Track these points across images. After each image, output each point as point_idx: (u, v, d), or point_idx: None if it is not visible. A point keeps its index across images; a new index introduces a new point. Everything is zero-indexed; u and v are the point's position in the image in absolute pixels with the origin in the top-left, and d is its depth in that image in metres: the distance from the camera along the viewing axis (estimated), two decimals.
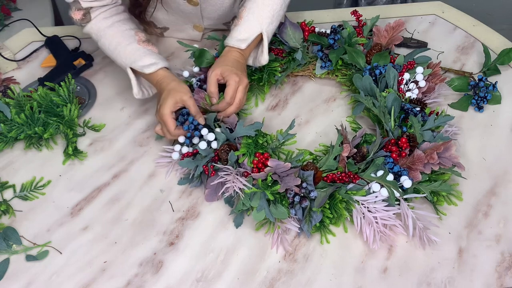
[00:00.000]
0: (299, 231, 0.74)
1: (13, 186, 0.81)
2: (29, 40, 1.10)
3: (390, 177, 0.74)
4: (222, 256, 0.72)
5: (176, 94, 0.81)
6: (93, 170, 0.84)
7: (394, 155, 0.76)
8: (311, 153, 0.83)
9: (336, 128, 0.84)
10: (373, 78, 0.90)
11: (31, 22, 1.14)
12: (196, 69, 0.95)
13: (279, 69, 0.95)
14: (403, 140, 0.76)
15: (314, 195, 0.72)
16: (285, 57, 0.98)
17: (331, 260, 0.71)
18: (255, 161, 0.74)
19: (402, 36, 1.09)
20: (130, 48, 0.86)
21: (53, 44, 1.06)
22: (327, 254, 0.72)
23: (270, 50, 0.96)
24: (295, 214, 0.73)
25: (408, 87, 0.90)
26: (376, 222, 0.71)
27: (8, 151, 0.87)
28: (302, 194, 0.73)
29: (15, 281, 0.70)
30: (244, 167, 0.77)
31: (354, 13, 1.02)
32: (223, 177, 0.75)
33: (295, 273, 0.70)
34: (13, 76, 1.01)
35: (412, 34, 1.10)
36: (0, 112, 0.87)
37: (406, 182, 0.73)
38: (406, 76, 0.90)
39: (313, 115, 0.93)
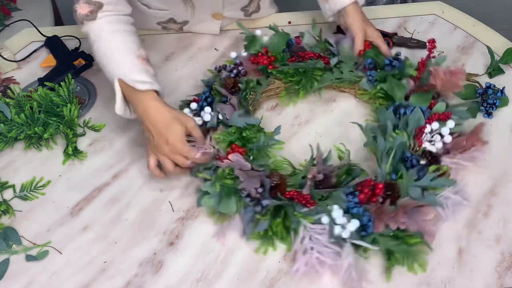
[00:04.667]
0: (243, 234, 0.73)
1: (13, 186, 0.81)
2: (29, 40, 1.10)
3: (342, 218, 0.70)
4: (222, 256, 0.72)
5: (183, 120, 0.76)
6: (93, 170, 0.84)
7: (361, 196, 0.71)
8: (293, 166, 0.80)
9: (310, 145, 0.80)
10: (398, 116, 0.83)
11: (31, 22, 1.14)
12: (244, 54, 0.96)
13: (319, 78, 0.91)
14: (380, 186, 0.71)
15: (265, 203, 0.71)
16: (330, 69, 0.93)
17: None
18: (229, 151, 0.75)
19: (402, 36, 1.09)
20: (127, 60, 0.79)
21: (53, 44, 1.06)
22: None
23: (319, 57, 0.93)
24: (245, 214, 0.73)
25: (432, 137, 0.80)
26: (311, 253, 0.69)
27: (8, 151, 0.87)
28: (256, 198, 0.72)
29: (15, 281, 0.70)
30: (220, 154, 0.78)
31: (431, 42, 0.90)
32: (201, 146, 0.76)
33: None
34: (13, 76, 1.01)
35: (412, 34, 1.10)
36: (0, 112, 0.87)
37: (352, 224, 0.68)
38: (434, 126, 0.80)
39: (313, 115, 0.93)
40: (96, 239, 0.74)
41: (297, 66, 0.91)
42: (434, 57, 0.91)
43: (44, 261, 0.72)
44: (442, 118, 0.81)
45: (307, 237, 0.70)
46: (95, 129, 0.89)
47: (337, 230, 0.69)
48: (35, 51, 1.07)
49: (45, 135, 0.85)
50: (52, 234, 0.75)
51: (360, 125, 0.84)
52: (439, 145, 0.79)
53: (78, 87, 0.98)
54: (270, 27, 0.99)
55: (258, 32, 0.96)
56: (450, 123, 0.81)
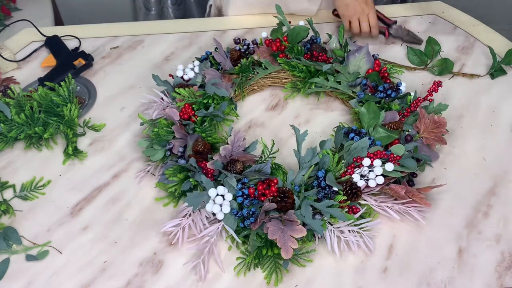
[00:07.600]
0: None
1: (13, 186, 0.81)
2: (29, 40, 1.10)
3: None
4: (222, 255, 0.72)
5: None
6: (93, 170, 0.84)
7: (251, 190, 0.72)
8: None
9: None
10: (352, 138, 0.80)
11: (31, 22, 1.14)
12: (264, 35, 0.97)
13: (317, 81, 0.91)
14: (273, 188, 0.71)
15: (181, 162, 0.76)
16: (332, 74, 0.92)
17: (331, 260, 0.71)
18: (182, 109, 0.82)
19: (401, 26, 1.08)
20: None
21: (53, 44, 1.06)
22: (327, 254, 0.72)
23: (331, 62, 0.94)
24: (165, 166, 0.78)
25: (369, 172, 0.74)
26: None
27: (8, 151, 0.87)
28: (176, 155, 0.78)
29: (15, 281, 0.70)
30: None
31: (436, 85, 0.83)
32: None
33: (295, 273, 0.70)
34: (13, 76, 1.01)
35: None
36: (0, 112, 0.87)
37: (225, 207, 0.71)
38: (376, 163, 0.74)
39: (313, 115, 0.93)
40: (96, 239, 0.74)
41: (306, 63, 0.92)
42: (431, 100, 0.85)
43: (44, 261, 0.72)
44: (388, 159, 0.74)
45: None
46: (95, 129, 0.89)
47: (209, 206, 0.71)
48: (35, 51, 1.07)
49: (45, 135, 0.85)
50: (52, 234, 0.75)
51: (293, 127, 0.79)
52: (372, 183, 0.73)
53: (78, 87, 0.98)
54: (308, 21, 0.98)
55: (301, 23, 0.97)
56: (389, 166, 0.73)
